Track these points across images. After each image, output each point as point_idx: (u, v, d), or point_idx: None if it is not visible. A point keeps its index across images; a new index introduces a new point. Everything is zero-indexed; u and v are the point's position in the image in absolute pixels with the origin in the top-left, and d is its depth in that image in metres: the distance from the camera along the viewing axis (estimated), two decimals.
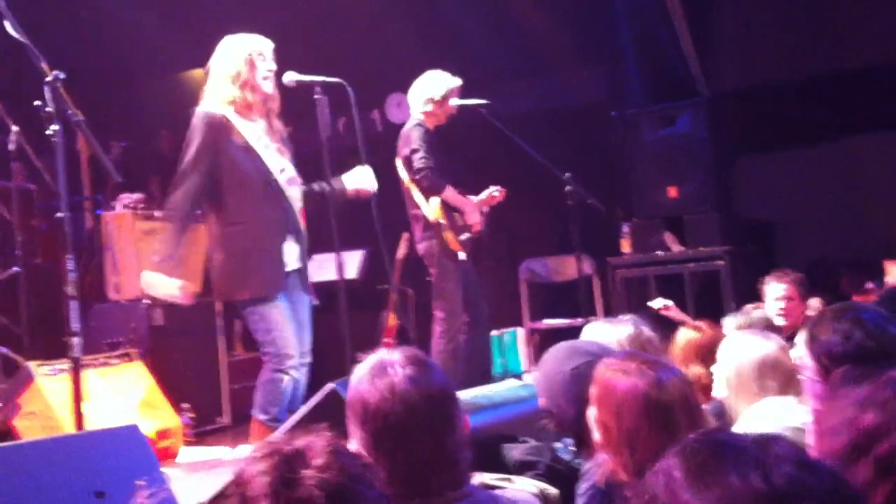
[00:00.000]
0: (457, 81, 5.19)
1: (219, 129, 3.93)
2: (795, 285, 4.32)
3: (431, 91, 5.16)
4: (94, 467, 2.35)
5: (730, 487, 0.98)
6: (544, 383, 2.48)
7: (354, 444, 1.76)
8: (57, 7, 6.14)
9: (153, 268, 3.97)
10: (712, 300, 5.64)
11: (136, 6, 6.82)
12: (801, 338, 2.32)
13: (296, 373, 3.95)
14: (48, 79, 2.79)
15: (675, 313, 4.48)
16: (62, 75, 2.80)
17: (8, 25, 2.83)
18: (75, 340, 2.78)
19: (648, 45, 6.47)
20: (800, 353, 2.81)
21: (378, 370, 1.77)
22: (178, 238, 4.01)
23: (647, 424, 1.95)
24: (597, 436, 2.10)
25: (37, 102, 2.83)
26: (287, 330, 3.95)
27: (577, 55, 6.71)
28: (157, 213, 5.72)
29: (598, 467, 2.17)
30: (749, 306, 4.32)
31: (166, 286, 4.02)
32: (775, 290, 4.35)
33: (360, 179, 4.17)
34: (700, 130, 6.04)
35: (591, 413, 2.11)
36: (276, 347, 3.91)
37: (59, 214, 2.84)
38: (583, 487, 2.26)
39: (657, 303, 4.70)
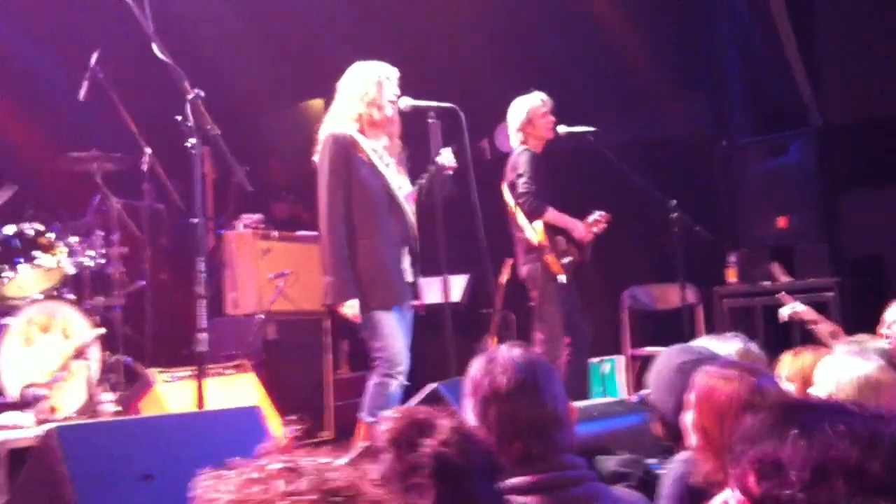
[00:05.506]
0: (535, 100, 5.30)
1: (346, 148, 4.17)
2: None
3: (517, 117, 5.31)
4: (214, 443, 2.51)
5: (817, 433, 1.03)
6: (654, 377, 2.56)
7: (469, 418, 1.92)
8: (178, 42, 6.54)
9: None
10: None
11: (255, 42, 7.17)
12: None
13: (403, 379, 4.10)
14: (189, 96, 3.03)
15: (807, 314, 4.42)
16: (202, 93, 3.05)
17: (155, 48, 3.09)
18: (202, 336, 2.98)
19: (755, 75, 6.43)
20: None
21: (488, 354, 1.99)
22: (343, 261, 4.09)
23: None
24: (693, 439, 2.14)
25: (178, 117, 3.08)
26: (399, 340, 4.14)
27: (675, 85, 6.72)
28: (273, 233, 6.02)
29: (683, 464, 2.22)
30: (864, 335, 4.24)
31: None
32: (890, 315, 4.35)
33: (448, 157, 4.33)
34: (810, 160, 5.94)
35: (689, 417, 2.17)
36: (389, 353, 4.08)
37: (192, 220, 3.06)
38: (668, 483, 2.28)
39: (787, 309, 4.69)
